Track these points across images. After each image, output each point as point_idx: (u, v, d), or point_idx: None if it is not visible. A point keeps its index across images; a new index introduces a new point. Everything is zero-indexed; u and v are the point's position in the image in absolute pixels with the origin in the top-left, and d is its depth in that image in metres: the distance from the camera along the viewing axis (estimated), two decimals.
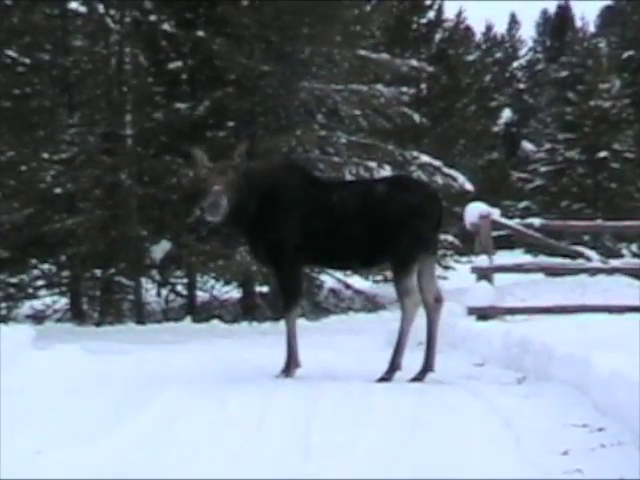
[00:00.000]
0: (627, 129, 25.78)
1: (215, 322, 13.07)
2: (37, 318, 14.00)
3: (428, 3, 24.91)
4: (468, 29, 39.81)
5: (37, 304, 14.54)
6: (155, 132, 14.59)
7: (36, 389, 5.72)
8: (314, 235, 6.62)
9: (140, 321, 13.83)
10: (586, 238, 19.70)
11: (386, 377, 6.46)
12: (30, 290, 14.54)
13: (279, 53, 14.59)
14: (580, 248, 11.72)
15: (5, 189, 13.45)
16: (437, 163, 16.64)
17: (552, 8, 52.90)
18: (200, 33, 14.54)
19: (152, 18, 14.96)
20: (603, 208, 22.88)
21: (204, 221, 7.97)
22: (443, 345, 7.44)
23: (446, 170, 16.70)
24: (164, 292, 15.28)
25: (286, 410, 5.18)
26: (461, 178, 16.81)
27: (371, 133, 16.09)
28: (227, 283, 15.28)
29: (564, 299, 10.84)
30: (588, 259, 11.07)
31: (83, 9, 15.27)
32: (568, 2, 51.04)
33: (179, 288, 15.36)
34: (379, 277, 16.16)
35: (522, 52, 52.48)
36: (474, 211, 10.17)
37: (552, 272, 13.48)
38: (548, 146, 27.25)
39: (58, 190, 14.12)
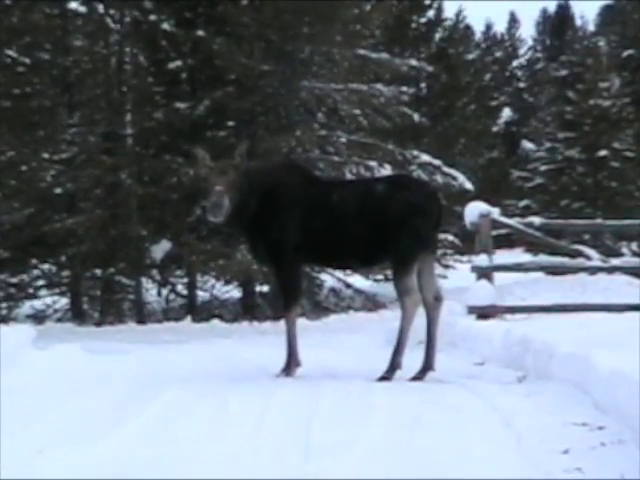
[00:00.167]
0: (627, 128, 25.71)
1: (215, 322, 13.05)
2: (37, 318, 14.01)
3: (428, 2, 24.93)
4: (468, 28, 39.90)
5: (37, 304, 14.56)
6: (155, 132, 14.60)
7: (36, 389, 5.71)
8: (314, 234, 6.62)
9: (140, 321, 13.84)
10: (586, 237, 19.66)
11: (386, 376, 6.45)
12: (30, 290, 14.56)
13: (279, 52, 14.59)
14: (580, 247, 11.71)
15: (5, 189, 13.46)
16: (437, 162, 16.68)
17: (552, 7, 53.37)
18: (200, 32, 14.54)
19: (152, 18, 14.97)
20: (603, 207, 22.83)
21: (206, 221, 7.97)
22: (443, 344, 7.44)
23: (446, 169, 16.74)
24: (164, 292, 15.30)
25: (286, 409, 5.17)
26: (461, 177, 16.84)
27: (371, 132, 16.11)
28: (227, 283, 15.29)
29: (564, 298, 10.86)
30: (588, 258, 11.07)
31: (83, 9, 15.31)
32: (568, 1, 51.18)
33: (179, 288, 15.38)
34: (379, 276, 16.17)
35: (522, 51, 52.51)
36: (474, 210, 10.19)
37: (552, 271, 13.52)
38: (548, 145, 27.17)
39: (58, 190, 14.14)
